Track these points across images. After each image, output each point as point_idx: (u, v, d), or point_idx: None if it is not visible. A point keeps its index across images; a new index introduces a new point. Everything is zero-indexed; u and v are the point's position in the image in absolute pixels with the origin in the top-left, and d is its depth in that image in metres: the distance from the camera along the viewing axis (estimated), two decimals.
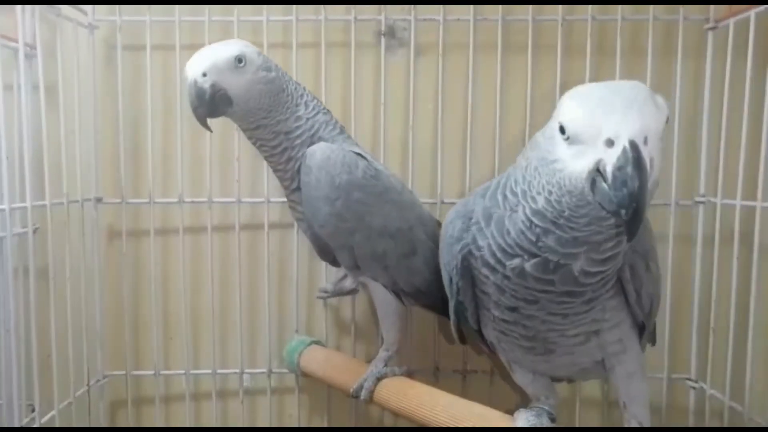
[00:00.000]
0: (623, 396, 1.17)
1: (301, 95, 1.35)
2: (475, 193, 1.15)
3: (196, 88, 1.23)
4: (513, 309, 1.08)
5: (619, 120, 0.80)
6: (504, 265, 1.03)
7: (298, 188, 1.34)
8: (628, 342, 1.14)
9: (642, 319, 1.14)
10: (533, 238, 0.97)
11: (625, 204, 0.79)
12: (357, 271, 1.42)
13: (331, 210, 1.29)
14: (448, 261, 1.15)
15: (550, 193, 0.91)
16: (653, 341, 1.36)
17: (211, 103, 1.25)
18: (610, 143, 0.80)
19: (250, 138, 1.36)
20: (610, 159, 0.80)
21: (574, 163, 0.86)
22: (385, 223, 1.34)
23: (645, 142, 0.79)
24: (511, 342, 1.17)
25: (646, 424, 1.17)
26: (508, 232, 1.01)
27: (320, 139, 1.33)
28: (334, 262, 1.44)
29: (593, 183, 0.84)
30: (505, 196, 1.02)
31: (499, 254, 1.03)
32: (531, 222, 0.96)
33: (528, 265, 0.99)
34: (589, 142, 0.83)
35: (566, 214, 0.91)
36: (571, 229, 0.93)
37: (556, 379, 1.32)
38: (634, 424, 1.17)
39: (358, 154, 1.33)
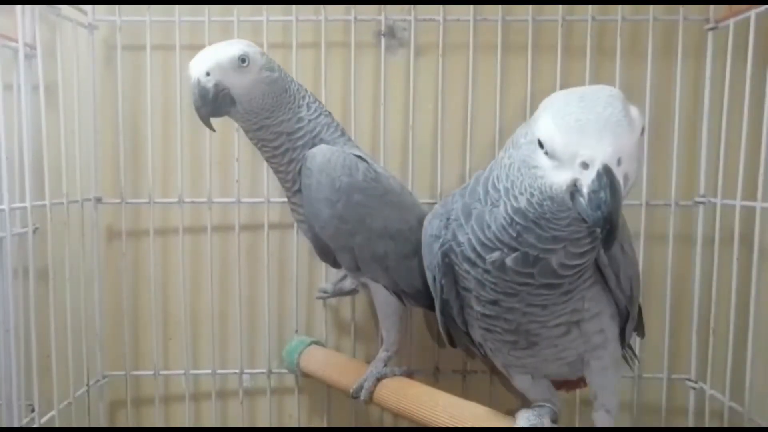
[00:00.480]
0: (595, 387, 1.20)
1: (303, 96, 1.35)
2: (454, 193, 1.17)
3: (199, 88, 1.23)
4: (494, 302, 1.10)
5: (593, 145, 0.81)
6: (484, 259, 1.04)
7: (299, 190, 1.34)
8: (609, 333, 1.16)
9: (625, 303, 1.15)
10: (513, 234, 0.99)
11: (599, 224, 0.82)
12: (358, 273, 1.41)
13: (332, 212, 1.29)
14: (430, 260, 1.17)
15: (532, 195, 0.93)
16: (642, 332, 1.36)
17: (214, 103, 1.25)
18: (585, 166, 0.82)
19: (252, 139, 1.35)
20: (586, 181, 0.82)
21: (554, 174, 0.87)
22: (385, 224, 1.34)
23: (619, 163, 0.81)
24: (495, 339, 1.18)
25: (614, 411, 1.19)
26: (489, 227, 1.03)
27: (321, 141, 1.33)
28: (335, 264, 1.44)
29: (572, 195, 0.86)
30: (487, 191, 1.04)
31: (479, 248, 1.05)
32: (512, 219, 0.98)
33: (508, 259, 1.01)
34: (565, 161, 0.85)
35: (547, 216, 0.93)
36: (552, 228, 0.95)
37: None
38: (601, 412, 1.19)
39: (359, 157, 1.33)
